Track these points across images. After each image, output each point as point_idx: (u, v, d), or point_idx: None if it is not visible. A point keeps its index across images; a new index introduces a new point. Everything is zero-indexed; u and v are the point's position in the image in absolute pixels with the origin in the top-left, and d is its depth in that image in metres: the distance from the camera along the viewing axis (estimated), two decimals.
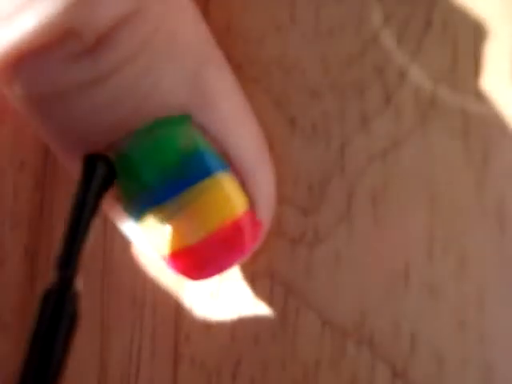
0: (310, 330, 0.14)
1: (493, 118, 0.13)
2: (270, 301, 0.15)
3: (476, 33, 0.13)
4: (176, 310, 0.16)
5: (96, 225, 0.18)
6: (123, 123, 0.13)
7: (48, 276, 0.19)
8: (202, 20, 0.14)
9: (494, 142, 0.13)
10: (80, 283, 0.12)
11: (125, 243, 0.17)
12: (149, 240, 0.14)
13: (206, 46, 0.14)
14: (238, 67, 0.16)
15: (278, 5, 0.16)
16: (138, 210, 0.14)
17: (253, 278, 0.15)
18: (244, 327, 0.15)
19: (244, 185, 0.14)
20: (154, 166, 0.13)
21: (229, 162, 0.14)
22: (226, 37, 0.16)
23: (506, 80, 0.13)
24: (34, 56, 0.12)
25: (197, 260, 0.14)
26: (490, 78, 0.13)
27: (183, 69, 0.13)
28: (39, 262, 0.19)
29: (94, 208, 0.13)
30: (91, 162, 0.13)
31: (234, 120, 0.14)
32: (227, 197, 0.13)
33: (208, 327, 0.16)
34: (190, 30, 0.13)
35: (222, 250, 0.14)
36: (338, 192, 0.14)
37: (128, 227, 0.14)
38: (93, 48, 0.12)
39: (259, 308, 0.15)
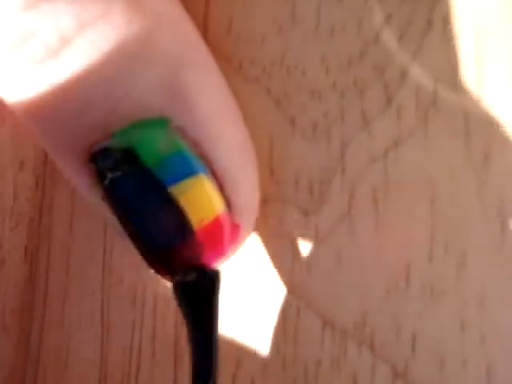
0: (311, 331, 0.14)
1: (494, 118, 0.13)
2: (270, 301, 0.15)
3: (477, 32, 0.13)
4: (176, 311, 0.16)
5: (96, 226, 0.18)
6: (100, 125, 0.13)
7: (47, 276, 0.19)
8: (183, 21, 0.14)
9: (495, 141, 0.13)
10: None
11: (124, 244, 0.17)
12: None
13: (186, 48, 0.14)
14: (238, 67, 0.16)
15: (278, 5, 0.16)
16: None
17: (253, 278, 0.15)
18: (244, 328, 0.15)
19: (222, 189, 0.14)
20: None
21: (207, 166, 0.14)
22: (226, 37, 0.16)
23: (506, 79, 0.13)
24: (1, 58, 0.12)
25: (177, 259, 0.14)
26: (490, 77, 0.13)
27: (158, 72, 0.13)
28: (39, 262, 0.19)
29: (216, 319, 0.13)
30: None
31: (213, 124, 0.14)
32: (206, 196, 0.13)
33: None
34: (167, 33, 0.13)
35: (200, 249, 0.14)
36: (338, 192, 0.14)
37: (117, 228, 0.14)
38: (57, 51, 0.12)
39: (259, 308, 0.15)
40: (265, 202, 0.15)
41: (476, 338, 0.13)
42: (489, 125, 0.13)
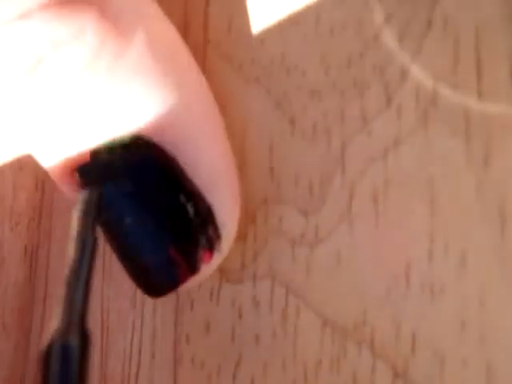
0: (311, 330, 0.14)
1: (494, 118, 0.13)
2: (270, 301, 0.15)
3: (477, 32, 0.13)
4: (176, 310, 0.16)
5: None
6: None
7: (47, 275, 0.19)
8: (158, 33, 0.14)
9: (495, 141, 0.13)
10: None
11: None
12: None
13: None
14: (238, 67, 0.16)
15: (278, 5, 0.16)
16: None
17: (253, 278, 0.15)
18: (244, 327, 0.15)
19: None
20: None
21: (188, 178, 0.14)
22: (226, 37, 0.16)
23: (506, 79, 0.13)
24: None
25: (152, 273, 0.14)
26: (490, 77, 0.13)
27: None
28: (39, 262, 0.19)
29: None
30: None
31: (189, 139, 0.14)
32: None
33: (208, 327, 0.16)
34: (140, 50, 0.13)
35: (175, 265, 0.14)
36: (338, 192, 0.14)
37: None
38: (32, 69, 0.12)
39: (259, 308, 0.15)
40: (265, 202, 0.15)
41: (476, 337, 0.13)
42: (489, 125, 0.13)
